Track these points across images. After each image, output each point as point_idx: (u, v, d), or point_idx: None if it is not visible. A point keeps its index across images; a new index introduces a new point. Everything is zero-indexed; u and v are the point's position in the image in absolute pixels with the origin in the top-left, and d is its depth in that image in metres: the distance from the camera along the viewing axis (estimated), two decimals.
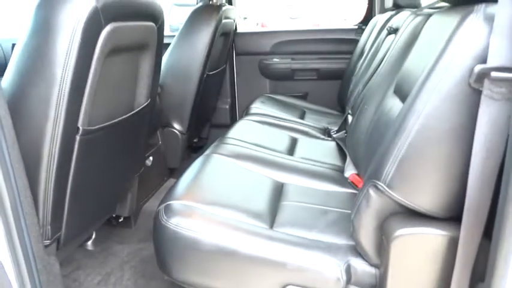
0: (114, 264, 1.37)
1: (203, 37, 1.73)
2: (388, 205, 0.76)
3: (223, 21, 1.83)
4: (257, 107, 1.93)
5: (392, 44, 1.34)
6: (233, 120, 2.34)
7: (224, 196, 1.04)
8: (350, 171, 1.29)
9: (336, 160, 1.45)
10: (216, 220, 0.91)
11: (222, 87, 2.37)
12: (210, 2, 1.88)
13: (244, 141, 1.45)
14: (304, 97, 2.40)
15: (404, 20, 1.34)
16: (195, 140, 2.30)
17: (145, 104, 1.23)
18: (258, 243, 0.88)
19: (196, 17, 1.76)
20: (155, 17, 1.12)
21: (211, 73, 1.89)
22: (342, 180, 1.25)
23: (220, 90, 2.35)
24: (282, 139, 1.60)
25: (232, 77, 2.41)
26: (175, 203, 0.95)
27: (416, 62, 0.98)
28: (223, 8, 1.83)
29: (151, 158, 1.72)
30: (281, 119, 1.81)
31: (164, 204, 0.95)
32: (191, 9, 1.82)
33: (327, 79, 2.34)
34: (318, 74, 2.34)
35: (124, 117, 1.12)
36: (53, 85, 0.82)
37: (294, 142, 1.60)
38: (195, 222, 0.89)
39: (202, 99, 1.93)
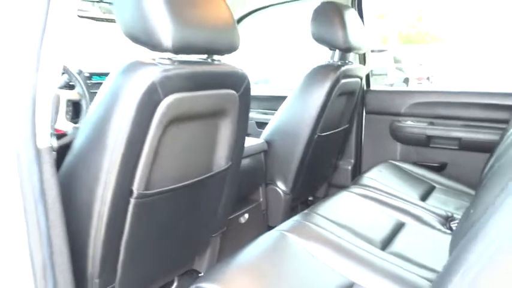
0: None
1: (315, 98, 1.65)
2: None
3: (343, 80, 1.71)
4: (370, 177, 1.72)
5: None
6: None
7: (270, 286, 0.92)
8: None
9: (441, 265, 1.14)
10: None
11: (346, 147, 2.21)
12: (330, 61, 1.79)
13: (332, 221, 1.28)
14: (441, 168, 2.04)
15: None
16: (310, 198, 2.20)
17: (226, 166, 1.22)
18: None
19: (311, 77, 1.70)
20: (235, 84, 1.10)
21: (325, 134, 1.78)
22: None
23: (343, 150, 2.20)
24: (383, 224, 1.36)
25: (358, 137, 2.23)
26: (208, 285, 0.88)
27: None
28: (343, 68, 1.72)
29: (246, 215, 1.69)
30: (393, 196, 1.56)
31: (198, 284, 0.90)
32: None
33: (471, 151, 1.94)
34: (460, 144, 1.96)
35: (197, 179, 1.13)
36: (104, 154, 0.87)
37: (397, 229, 1.35)
38: None
39: (315, 160, 1.82)
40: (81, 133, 0.94)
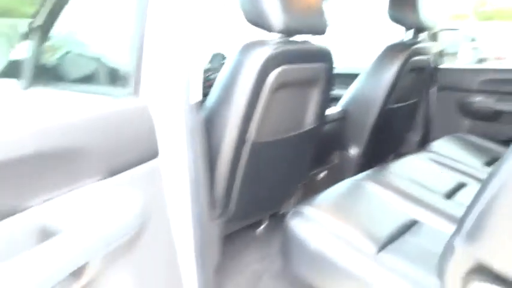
0: (272, 251, 1.70)
1: (387, 73, 1.87)
2: (468, 258, 0.79)
3: (414, 58, 1.90)
4: (438, 144, 1.91)
5: None
6: None
7: (351, 214, 1.20)
8: None
9: None
10: (331, 231, 1.10)
11: (415, 120, 2.39)
12: (404, 40, 1.99)
13: (399, 175, 1.52)
14: (508, 143, 2.15)
15: None
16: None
17: (312, 127, 1.50)
18: (358, 260, 1.03)
19: (384, 54, 1.91)
20: (324, 58, 1.38)
21: (396, 106, 1.99)
22: None
23: (412, 122, 2.38)
24: (446, 181, 1.57)
25: (427, 111, 2.39)
26: (306, 208, 1.19)
27: None
28: (415, 46, 1.91)
29: (323, 173, 1.97)
30: (456, 161, 1.75)
31: (297, 208, 1.20)
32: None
33: None
34: None
35: (291, 135, 1.43)
36: (230, 109, 1.19)
37: (459, 186, 1.55)
38: (311, 228, 1.11)
39: (385, 130, 2.04)
40: (212, 94, 1.27)
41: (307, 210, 1.17)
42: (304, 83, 1.38)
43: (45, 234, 0.60)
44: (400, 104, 2.04)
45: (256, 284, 1.53)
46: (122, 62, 1.02)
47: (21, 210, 0.59)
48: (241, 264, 1.64)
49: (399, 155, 2.44)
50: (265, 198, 1.55)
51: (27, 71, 1.52)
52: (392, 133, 2.24)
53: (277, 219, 1.87)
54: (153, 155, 0.95)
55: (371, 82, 1.94)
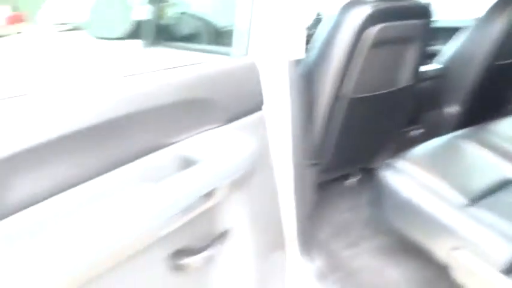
0: (361, 202, 1.79)
1: (497, 26, 1.75)
2: None
3: None
4: None
5: None
6: None
7: (443, 168, 1.23)
8: None
9: None
10: (422, 183, 1.15)
11: None
12: None
13: (501, 135, 1.48)
14: None
15: None
16: None
17: (406, 85, 1.52)
18: (448, 211, 1.08)
19: (496, 5, 1.78)
20: (424, 15, 1.36)
21: (505, 62, 1.87)
22: None
23: None
24: None
25: None
26: (398, 161, 1.25)
27: None
28: None
29: (417, 131, 1.96)
30: None
31: (391, 160, 1.27)
32: None
33: None
34: None
35: (386, 91, 1.47)
36: (328, 64, 1.27)
37: None
38: (403, 180, 1.18)
39: (490, 88, 1.94)
40: (311, 51, 1.36)
41: (400, 163, 1.24)
42: (402, 40, 1.39)
43: (186, 164, 0.77)
44: (510, 60, 1.90)
45: (344, 232, 1.65)
46: (233, 24, 1.15)
47: (169, 145, 0.77)
48: (331, 212, 1.77)
49: (505, 115, 2.29)
50: (358, 151, 1.63)
51: (147, 31, 1.74)
52: (499, 91, 2.11)
53: (368, 173, 1.94)
54: (259, 106, 1.08)
55: (478, 36, 1.84)
